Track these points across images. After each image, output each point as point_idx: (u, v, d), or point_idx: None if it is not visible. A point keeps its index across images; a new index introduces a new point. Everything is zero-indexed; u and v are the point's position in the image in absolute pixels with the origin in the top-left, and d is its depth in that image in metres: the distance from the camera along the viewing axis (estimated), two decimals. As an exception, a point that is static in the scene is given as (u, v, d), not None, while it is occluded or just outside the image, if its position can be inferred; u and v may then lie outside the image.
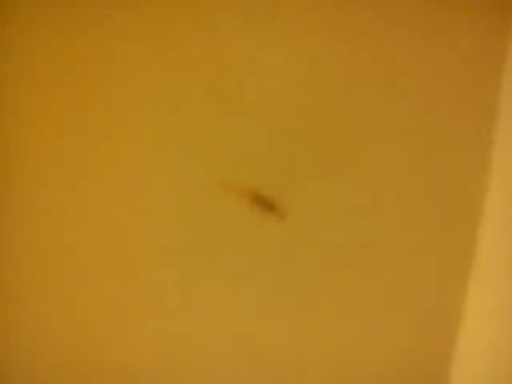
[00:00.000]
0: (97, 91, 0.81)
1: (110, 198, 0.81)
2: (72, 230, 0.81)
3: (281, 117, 0.81)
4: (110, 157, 0.81)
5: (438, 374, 0.79)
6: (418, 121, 0.80)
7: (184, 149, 0.81)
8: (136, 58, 0.81)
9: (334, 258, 0.80)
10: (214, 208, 0.80)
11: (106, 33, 0.80)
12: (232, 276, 0.81)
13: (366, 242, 0.80)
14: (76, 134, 0.81)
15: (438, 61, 0.80)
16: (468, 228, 0.78)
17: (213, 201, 0.80)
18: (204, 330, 0.81)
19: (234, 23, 0.81)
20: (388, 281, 0.80)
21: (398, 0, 0.80)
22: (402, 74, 0.80)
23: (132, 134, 0.81)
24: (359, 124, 0.80)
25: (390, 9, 0.80)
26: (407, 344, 0.80)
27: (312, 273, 0.81)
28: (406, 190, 0.80)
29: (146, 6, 0.80)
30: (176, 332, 0.81)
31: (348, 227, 0.80)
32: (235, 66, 0.81)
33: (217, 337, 0.81)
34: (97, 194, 0.82)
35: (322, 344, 0.81)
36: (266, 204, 0.80)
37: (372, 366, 0.80)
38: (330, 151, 0.81)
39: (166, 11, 0.80)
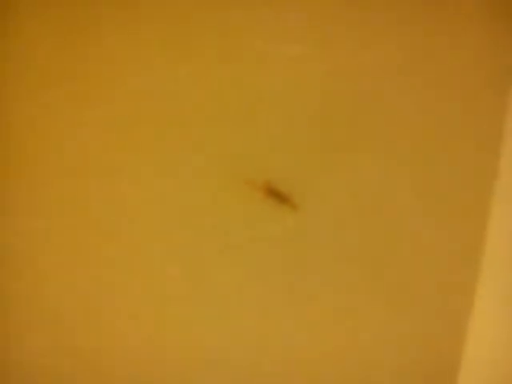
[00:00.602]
0: (98, 90, 0.81)
1: (118, 193, 0.81)
2: (75, 226, 0.81)
3: (294, 110, 0.81)
4: (118, 152, 0.81)
5: (445, 373, 0.79)
6: (429, 115, 0.81)
7: (198, 142, 0.81)
8: (137, 57, 0.81)
9: (346, 251, 0.81)
10: (227, 200, 0.80)
11: (106, 33, 0.81)
12: (244, 268, 0.81)
13: (378, 237, 0.81)
14: (77, 132, 0.81)
15: (444, 60, 0.81)
16: (476, 226, 0.79)
17: (226, 193, 0.80)
18: (213, 321, 0.80)
19: (242, 20, 0.81)
20: (398, 275, 0.80)
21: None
22: (410, 71, 0.82)
23: (138, 129, 0.81)
24: (372, 118, 0.81)
25: (395, 10, 0.82)
26: (415, 341, 0.80)
27: (323, 265, 0.81)
28: (418, 185, 0.81)
29: (146, 6, 0.81)
30: (182, 323, 0.81)
31: (360, 221, 0.81)
32: (247, 59, 0.81)
33: (225, 329, 0.81)
34: (102, 187, 0.81)
35: (329, 337, 0.81)
36: (279, 196, 0.81)
37: (377, 362, 0.81)
38: (342, 145, 0.81)
39: (166, 11, 0.81)
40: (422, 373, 0.79)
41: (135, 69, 0.81)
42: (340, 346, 0.80)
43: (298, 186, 0.81)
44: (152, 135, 0.81)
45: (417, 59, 0.81)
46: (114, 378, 0.80)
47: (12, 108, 0.80)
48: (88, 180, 0.81)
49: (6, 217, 0.80)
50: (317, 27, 0.81)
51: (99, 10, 0.80)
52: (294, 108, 0.81)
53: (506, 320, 0.76)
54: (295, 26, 0.81)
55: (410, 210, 0.81)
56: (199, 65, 0.81)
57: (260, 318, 0.80)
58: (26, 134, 0.80)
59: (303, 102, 0.81)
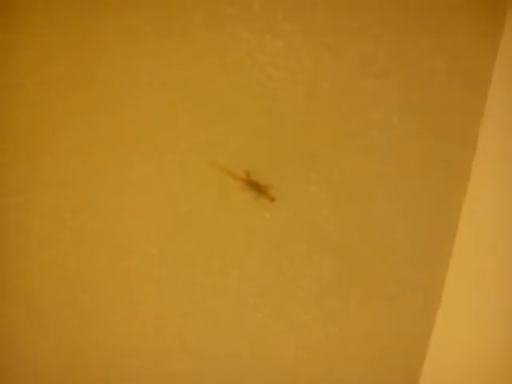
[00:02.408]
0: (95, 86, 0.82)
1: (100, 175, 0.82)
2: (72, 224, 0.82)
3: (278, 103, 0.83)
4: (108, 145, 0.83)
5: (410, 368, 0.81)
6: (407, 113, 0.83)
7: (181, 129, 0.82)
8: (127, 44, 0.82)
9: (321, 244, 0.83)
10: (206, 188, 0.82)
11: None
12: (220, 255, 0.82)
13: (353, 231, 0.83)
14: (76, 128, 0.82)
15: (425, 60, 0.83)
16: (447, 224, 0.81)
17: (206, 181, 0.82)
18: (186, 306, 0.82)
19: (229, 12, 0.83)
20: (369, 269, 0.82)
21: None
22: (393, 69, 0.83)
23: (118, 113, 0.83)
24: (351, 112, 0.83)
25: (378, 9, 0.83)
26: (381, 335, 0.82)
27: (298, 258, 0.83)
28: (394, 182, 0.83)
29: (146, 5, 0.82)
30: (155, 306, 0.82)
31: (336, 215, 0.83)
32: (233, 51, 0.83)
33: (200, 316, 0.82)
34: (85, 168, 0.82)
35: (300, 328, 0.83)
36: (258, 187, 0.82)
37: (343, 354, 0.83)
38: (322, 139, 0.83)
39: (165, 10, 0.83)
40: (387, 367, 0.82)
41: (126, 55, 0.82)
42: (309, 337, 0.82)
43: (277, 179, 0.82)
44: (132, 119, 0.82)
45: (399, 58, 0.83)
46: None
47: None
48: (85, 170, 0.82)
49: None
50: (302, 21, 0.83)
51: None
52: (278, 101, 0.83)
53: (471, 319, 0.78)
54: (282, 19, 0.83)
55: (385, 206, 0.82)
56: (185, 55, 0.82)
57: (233, 307, 0.82)
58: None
59: (287, 96, 0.83)
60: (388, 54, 0.82)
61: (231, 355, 0.82)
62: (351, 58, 0.82)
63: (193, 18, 0.82)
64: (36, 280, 0.81)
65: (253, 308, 0.82)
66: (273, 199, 0.83)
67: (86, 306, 0.81)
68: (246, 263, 0.83)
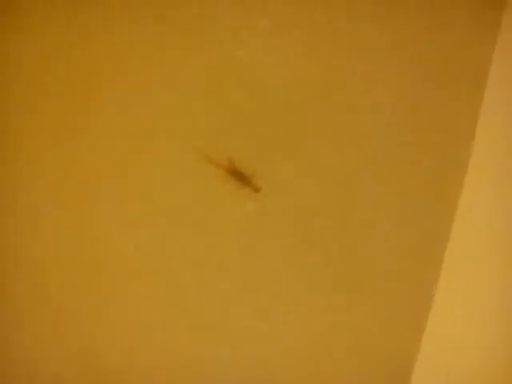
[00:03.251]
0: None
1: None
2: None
3: (262, 86, 0.79)
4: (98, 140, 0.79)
5: (401, 367, 0.79)
6: (400, 104, 0.80)
7: (156, 116, 0.79)
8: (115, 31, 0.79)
9: (306, 238, 0.79)
10: (188, 177, 0.78)
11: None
12: (201, 247, 0.79)
13: (339, 225, 0.79)
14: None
15: (420, 48, 0.80)
16: (441, 221, 0.79)
17: (188, 169, 0.78)
18: (165, 299, 0.79)
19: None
20: (358, 264, 0.79)
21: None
22: (383, 58, 0.80)
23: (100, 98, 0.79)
24: (343, 99, 0.79)
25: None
26: (371, 333, 0.79)
27: (282, 250, 0.79)
28: (383, 175, 0.80)
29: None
30: (134, 299, 0.79)
31: (322, 208, 0.79)
32: (218, 33, 0.79)
33: (180, 309, 0.79)
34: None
35: (285, 324, 0.79)
36: (241, 177, 0.79)
37: (330, 351, 0.80)
38: (311, 124, 0.80)
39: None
40: (377, 366, 0.79)
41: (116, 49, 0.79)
42: (294, 336, 0.79)
43: (262, 168, 0.79)
44: (105, 104, 0.79)
45: (395, 44, 0.80)
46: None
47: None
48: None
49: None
50: (291, 5, 0.79)
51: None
52: (264, 84, 0.79)
53: (463, 318, 0.77)
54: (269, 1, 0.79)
55: (376, 198, 0.80)
56: (161, 32, 0.79)
57: (213, 304, 0.78)
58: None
59: (274, 79, 0.79)
60: (384, 39, 0.79)
61: (211, 355, 0.78)
62: (346, 42, 0.79)
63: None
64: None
65: (235, 305, 0.79)
66: (257, 189, 0.79)
67: (55, 299, 0.78)
68: (228, 257, 0.79)
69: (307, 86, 0.79)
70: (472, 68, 0.79)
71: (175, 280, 0.78)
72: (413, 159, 0.80)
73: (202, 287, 0.78)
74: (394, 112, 0.80)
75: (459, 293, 0.77)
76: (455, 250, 0.78)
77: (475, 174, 0.77)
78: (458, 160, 0.79)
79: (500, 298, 0.74)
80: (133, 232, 0.78)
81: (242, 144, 0.79)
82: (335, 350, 0.79)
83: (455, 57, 0.80)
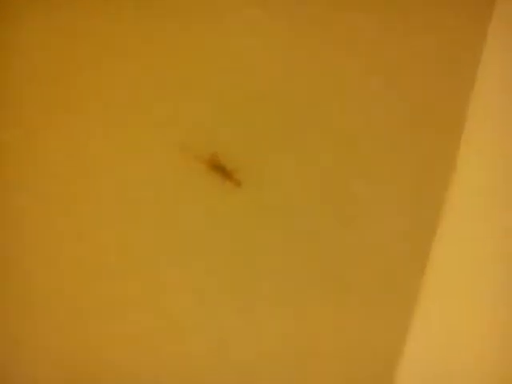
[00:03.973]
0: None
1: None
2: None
3: (248, 76, 0.77)
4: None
5: (383, 371, 0.76)
6: (388, 97, 0.77)
7: (136, 107, 0.77)
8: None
9: (293, 233, 0.77)
10: (164, 172, 0.77)
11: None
12: (182, 243, 0.77)
13: (325, 220, 0.77)
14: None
15: (409, 41, 0.78)
16: (426, 224, 0.76)
17: (164, 164, 0.76)
18: (145, 297, 0.76)
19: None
20: (343, 261, 0.77)
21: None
22: (374, 51, 0.78)
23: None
24: (331, 91, 0.77)
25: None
26: (353, 333, 0.77)
27: (267, 248, 0.77)
28: (376, 169, 0.77)
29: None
30: (115, 298, 0.77)
31: (306, 204, 0.77)
32: (205, 22, 0.77)
33: (159, 308, 0.77)
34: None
35: (268, 323, 0.77)
36: (223, 171, 0.77)
37: (315, 349, 0.77)
38: (298, 117, 0.77)
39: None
40: (361, 366, 0.77)
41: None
42: (277, 338, 0.77)
43: (244, 162, 0.77)
44: (83, 93, 0.77)
45: (387, 35, 0.77)
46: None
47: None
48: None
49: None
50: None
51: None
52: (250, 75, 0.77)
53: (449, 320, 0.74)
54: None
55: (364, 196, 0.77)
56: (144, 19, 0.77)
57: (193, 302, 0.76)
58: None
59: (261, 69, 0.77)
60: (375, 29, 0.77)
61: (191, 355, 0.76)
62: (336, 32, 0.77)
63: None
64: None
65: (216, 304, 0.76)
66: (238, 184, 0.77)
67: (30, 298, 0.77)
68: (209, 255, 0.77)
69: (294, 77, 0.77)
70: (464, 55, 0.76)
71: (157, 279, 0.76)
72: (402, 157, 0.77)
73: (184, 286, 0.76)
74: (384, 104, 0.77)
75: (444, 294, 0.75)
76: (441, 251, 0.75)
77: (464, 173, 0.75)
78: (445, 156, 0.76)
79: (487, 299, 0.72)
80: (113, 230, 0.76)
81: (223, 136, 0.77)
82: (321, 351, 0.77)
83: (447, 46, 0.77)
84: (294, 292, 0.77)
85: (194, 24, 0.76)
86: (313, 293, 0.76)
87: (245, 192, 0.76)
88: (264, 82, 0.77)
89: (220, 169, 0.76)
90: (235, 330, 0.76)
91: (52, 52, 0.78)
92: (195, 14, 0.76)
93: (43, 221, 0.77)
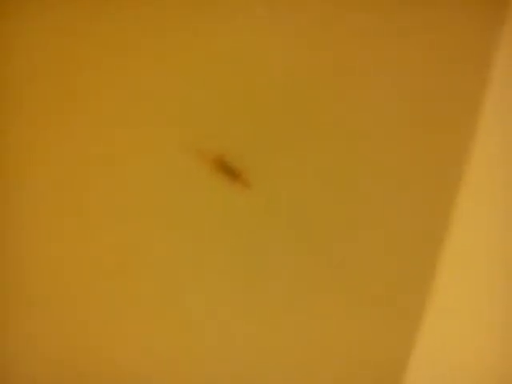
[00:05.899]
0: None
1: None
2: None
3: (255, 76, 0.77)
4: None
5: (392, 371, 0.77)
6: (396, 98, 0.77)
7: (143, 106, 0.77)
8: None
9: (302, 235, 0.77)
10: (172, 172, 0.76)
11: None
12: (188, 248, 0.77)
13: (333, 221, 0.77)
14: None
15: (421, 36, 0.77)
16: (437, 223, 0.76)
17: (172, 164, 0.76)
18: (153, 297, 0.77)
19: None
20: (352, 263, 0.77)
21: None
22: (382, 49, 0.77)
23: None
24: (339, 91, 0.77)
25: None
26: (363, 333, 0.77)
27: (276, 250, 0.77)
28: (386, 170, 0.77)
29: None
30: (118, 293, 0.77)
31: (314, 205, 0.77)
32: (211, 21, 0.77)
33: (167, 307, 0.77)
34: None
35: (278, 324, 0.77)
36: (231, 172, 0.76)
37: (323, 350, 0.78)
38: (306, 118, 0.77)
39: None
40: (368, 369, 0.77)
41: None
42: (285, 340, 0.77)
43: (253, 163, 0.76)
44: (88, 92, 0.77)
45: (395, 34, 0.77)
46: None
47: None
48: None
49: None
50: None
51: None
52: (257, 74, 0.77)
53: (459, 325, 0.75)
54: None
55: (373, 197, 0.77)
56: (151, 17, 0.76)
57: (200, 303, 0.76)
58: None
59: (268, 69, 0.77)
60: (384, 27, 0.77)
61: (194, 356, 0.76)
62: (344, 30, 0.77)
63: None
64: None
65: (223, 305, 0.76)
66: (247, 185, 0.76)
67: (30, 298, 0.76)
68: (218, 256, 0.76)
69: (304, 77, 0.77)
70: (475, 55, 0.76)
71: (164, 278, 0.76)
72: (411, 157, 0.77)
73: (191, 286, 0.76)
74: (392, 105, 0.77)
75: (455, 296, 0.76)
76: (452, 254, 0.76)
77: (474, 177, 0.75)
78: (456, 160, 0.76)
79: (499, 302, 0.73)
80: (120, 228, 0.76)
81: (232, 136, 0.76)
82: (328, 354, 0.77)
83: (457, 45, 0.77)
84: (304, 292, 0.77)
85: (199, 24, 0.76)
86: (322, 294, 0.77)
87: (254, 193, 0.76)
88: (273, 83, 0.76)
89: (229, 170, 0.76)
90: (243, 330, 0.76)
91: (52, 52, 0.77)
92: (201, 13, 0.76)
93: (44, 221, 0.76)
